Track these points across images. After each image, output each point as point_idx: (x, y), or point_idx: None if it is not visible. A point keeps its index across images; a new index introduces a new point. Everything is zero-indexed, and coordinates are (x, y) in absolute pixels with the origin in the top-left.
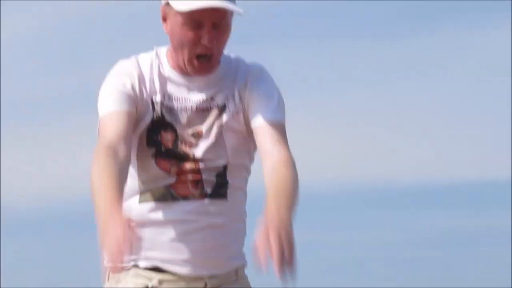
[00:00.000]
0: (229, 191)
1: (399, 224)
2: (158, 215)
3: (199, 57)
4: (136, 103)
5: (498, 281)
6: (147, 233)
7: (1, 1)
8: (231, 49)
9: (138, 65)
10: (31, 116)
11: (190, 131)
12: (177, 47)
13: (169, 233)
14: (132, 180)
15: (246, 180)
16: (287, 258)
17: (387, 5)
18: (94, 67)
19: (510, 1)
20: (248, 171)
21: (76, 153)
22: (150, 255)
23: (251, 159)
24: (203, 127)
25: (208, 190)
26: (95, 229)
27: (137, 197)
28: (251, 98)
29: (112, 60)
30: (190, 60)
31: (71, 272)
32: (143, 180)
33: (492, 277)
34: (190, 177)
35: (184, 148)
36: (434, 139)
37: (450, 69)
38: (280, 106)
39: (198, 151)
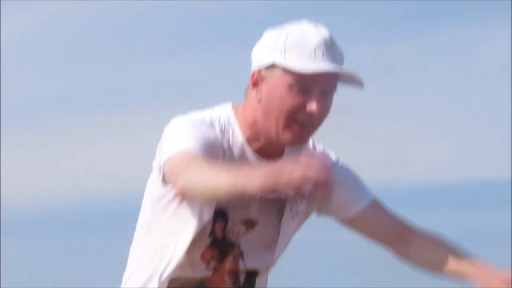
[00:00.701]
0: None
1: None
2: None
3: (299, 122)
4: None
5: None
6: None
7: (1, 1)
8: (229, 50)
9: (213, 128)
10: (31, 116)
11: (242, 217)
12: (272, 112)
13: None
14: (164, 260)
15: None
16: None
17: (388, 5)
18: (94, 67)
19: (510, 1)
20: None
21: (76, 153)
22: None
23: None
24: (260, 219)
25: (242, 279)
26: (94, 229)
27: (158, 281)
28: (335, 196)
29: (113, 60)
30: (287, 125)
31: (71, 272)
32: (179, 265)
33: None
34: (227, 267)
35: (230, 237)
36: (433, 139)
37: (450, 69)
38: (363, 184)
39: (245, 244)
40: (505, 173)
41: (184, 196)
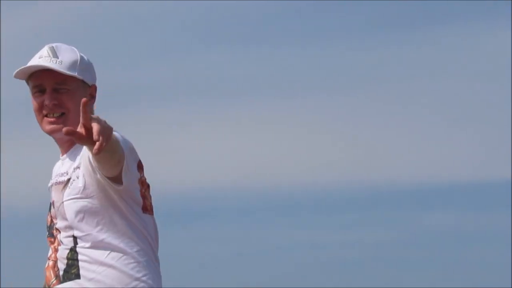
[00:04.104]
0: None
1: (399, 224)
2: None
3: (46, 115)
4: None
5: (498, 281)
6: None
7: (1, 1)
8: (224, 50)
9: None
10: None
11: (53, 203)
12: (36, 116)
13: None
14: None
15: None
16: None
17: (388, 5)
18: (98, 67)
19: (510, 1)
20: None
21: None
22: None
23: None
24: (56, 198)
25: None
26: None
27: None
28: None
29: (112, 60)
30: (42, 121)
31: None
32: None
33: (492, 277)
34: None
35: (54, 221)
36: (433, 139)
37: (450, 69)
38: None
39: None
40: (505, 173)
41: None
